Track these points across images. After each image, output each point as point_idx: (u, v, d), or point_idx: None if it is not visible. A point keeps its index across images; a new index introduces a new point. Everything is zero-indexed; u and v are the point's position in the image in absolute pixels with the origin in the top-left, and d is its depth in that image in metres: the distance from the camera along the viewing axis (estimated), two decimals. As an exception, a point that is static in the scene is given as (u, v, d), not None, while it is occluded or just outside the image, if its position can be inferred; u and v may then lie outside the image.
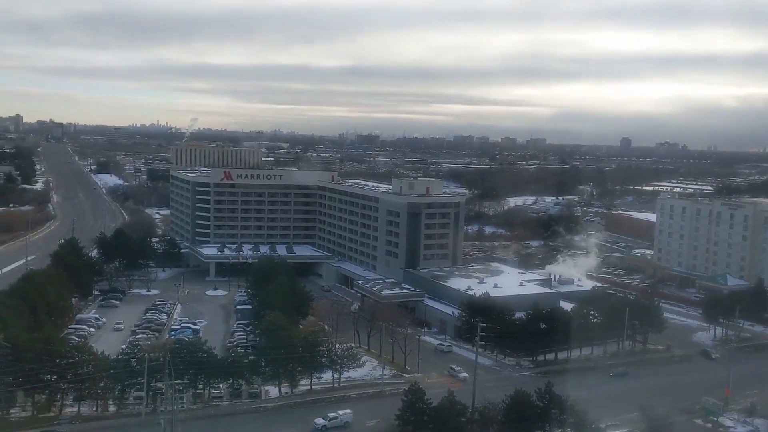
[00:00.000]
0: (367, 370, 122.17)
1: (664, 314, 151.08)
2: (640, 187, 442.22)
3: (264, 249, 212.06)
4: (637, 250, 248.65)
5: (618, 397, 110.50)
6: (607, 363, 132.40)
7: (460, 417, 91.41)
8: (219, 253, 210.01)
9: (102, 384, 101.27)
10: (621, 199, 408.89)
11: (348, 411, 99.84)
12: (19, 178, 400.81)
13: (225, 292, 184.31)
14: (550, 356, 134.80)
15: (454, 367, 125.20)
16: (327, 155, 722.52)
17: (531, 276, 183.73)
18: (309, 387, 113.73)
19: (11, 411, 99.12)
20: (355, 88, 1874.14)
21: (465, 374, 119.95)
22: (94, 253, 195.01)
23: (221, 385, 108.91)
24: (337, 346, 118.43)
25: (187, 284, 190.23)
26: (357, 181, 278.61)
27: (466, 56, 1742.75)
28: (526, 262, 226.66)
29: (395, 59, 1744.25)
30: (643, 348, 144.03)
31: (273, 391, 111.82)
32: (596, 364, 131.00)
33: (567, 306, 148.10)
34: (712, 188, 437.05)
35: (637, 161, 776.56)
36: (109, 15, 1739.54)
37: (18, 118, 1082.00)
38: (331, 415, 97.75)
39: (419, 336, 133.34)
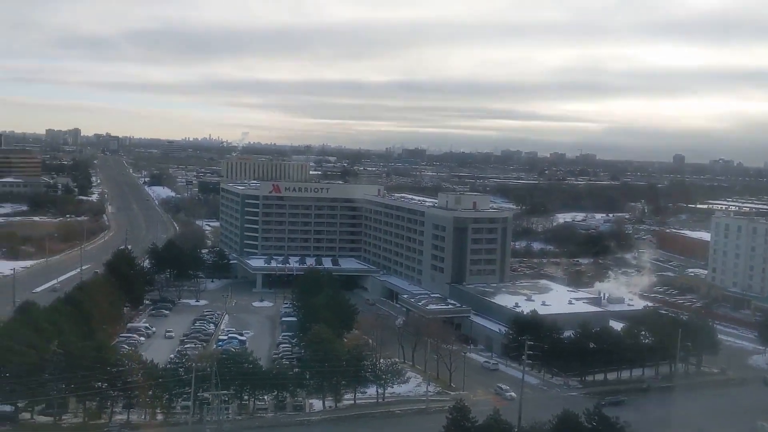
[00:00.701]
0: (412, 386, 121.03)
1: (719, 336, 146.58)
2: (693, 205, 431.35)
3: (310, 261, 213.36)
4: (690, 270, 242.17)
5: (671, 420, 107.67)
6: (660, 385, 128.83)
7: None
8: (266, 265, 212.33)
9: (150, 392, 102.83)
10: (674, 217, 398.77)
11: None
12: (75, 189, 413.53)
13: (271, 304, 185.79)
14: (599, 377, 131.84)
15: (501, 386, 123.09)
16: (374, 169, 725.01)
17: (580, 294, 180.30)
18: (353, 401, 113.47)
19: (63, 417, 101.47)
20: (403, 103, 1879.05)
21: (512, 393, 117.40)
22: (146, 263, 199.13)
23: (266, 397, 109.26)
24: (382, 360, 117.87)
25: (234, 295, 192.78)
26: (403, 195, 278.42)
27: (515, 71, 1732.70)
28: (575, 279, 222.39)
29: (444, 74, 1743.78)
30: (697, 370, 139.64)
31: (317, 404, 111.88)
32: (648, 386, 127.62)
33: (617, 325, 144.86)
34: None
35: (691, 178, 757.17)
36: (164, 32, 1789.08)
37: (77, 131, 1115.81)
38: None
39: (465, 353, 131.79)
